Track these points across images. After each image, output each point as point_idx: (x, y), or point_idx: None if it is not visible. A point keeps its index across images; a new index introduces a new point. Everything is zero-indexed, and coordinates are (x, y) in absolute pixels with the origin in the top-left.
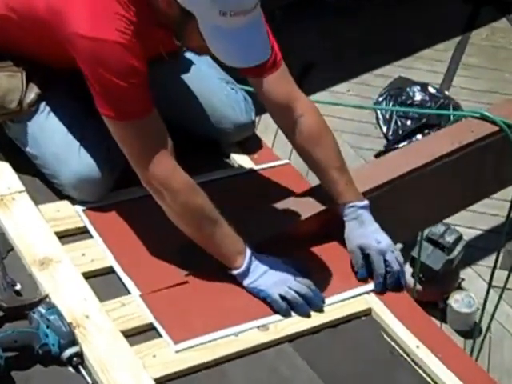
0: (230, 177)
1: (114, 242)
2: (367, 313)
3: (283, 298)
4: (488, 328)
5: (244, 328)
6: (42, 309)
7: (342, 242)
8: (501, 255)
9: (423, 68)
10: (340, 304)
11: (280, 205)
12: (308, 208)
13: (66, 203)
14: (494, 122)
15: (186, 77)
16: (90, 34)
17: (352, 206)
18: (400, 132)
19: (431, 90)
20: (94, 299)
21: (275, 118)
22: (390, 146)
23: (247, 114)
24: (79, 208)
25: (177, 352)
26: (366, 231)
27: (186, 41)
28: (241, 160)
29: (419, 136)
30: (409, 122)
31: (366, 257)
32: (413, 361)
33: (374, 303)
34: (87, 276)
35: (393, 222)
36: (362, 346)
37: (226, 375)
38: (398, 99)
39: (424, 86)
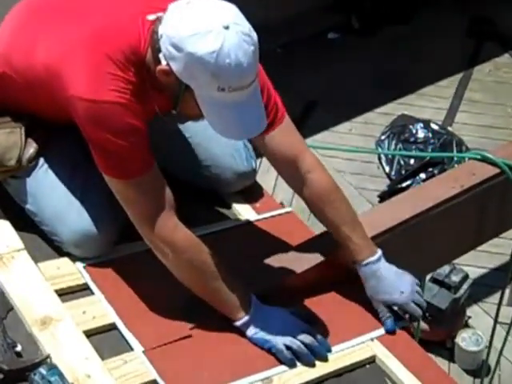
0: (231, 228)
1: (115, 298)
2: (371, 360)
3: (288, 348)
4: (496, 365)
5: (249, 381)
6: (42, 370)
7: (346, 290)
8: (507, 292)
9: (425, 105)
10: (344, 352)
11: (282, 255)
12: (309, 259)
13: (66, 260)
14: (495, 164)
15: (183, 126)
16: (88, 96)
17: (367, 264)
18: (403, 172)
19: (434, 126)
20: (95, 358)
21: (282, 175)
22: (394, 186)
23: (248, 162)
24: (80, 265)
25: None
26: (385, 285)
27: (182, 109)
28: (242, 209)
29: (422, 175)
30: (412, 161)
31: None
32: None
33: (378, 350)
34: (89, 334)
35: (400, 266)
36: None
37: None
38: (400, 137)
39: (427, 123)
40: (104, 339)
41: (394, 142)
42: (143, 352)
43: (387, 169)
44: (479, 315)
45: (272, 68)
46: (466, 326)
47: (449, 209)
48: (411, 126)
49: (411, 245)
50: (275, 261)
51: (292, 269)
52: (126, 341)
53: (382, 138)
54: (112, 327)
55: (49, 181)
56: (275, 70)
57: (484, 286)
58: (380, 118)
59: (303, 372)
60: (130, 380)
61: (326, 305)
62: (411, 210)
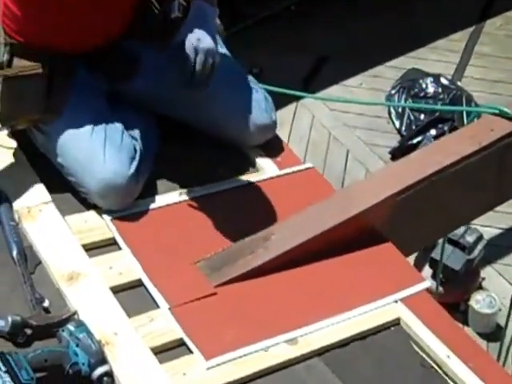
0: (255, 183)
1: (142, 254)
2: (396, 322)
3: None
4: (505, 329)
5: (274, 342)
6: (71, 327)
7: (368, 251)
8: None
9: (437, 59)
10: (368, 314)
11: (308, 212)
12: (332, 217)
13: (93, 213)
14: None
15: None
16: None
17: None
18: (413, 127)
19: (444, 81)
20: (122, 315)
21: None
22: (404, 143)
23: (268, 114)
24: (107, 218)
25: (208, 369)
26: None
27: None
28: (265, 164)
29: (433, 131)
30: (422, 116)
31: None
32: (444, 373)
33: (402, 312)
34: (115, 290)
35: (419, 225)
36: (392, 358)
37: None
38: (410, 91)
39: (436, 78)
40: (130, 295)
41: (403, 97)
42: (169, 309)
43: (397, 124)
44: (493, 277)
45: (285, 25)
46: (480, 287)
47: (467, 166)
48: (421, 81)
49: (432, 203)
50: (302, 218)
51: (322, 224)
52: (152, 297)
53: (392, 92)
54: (138, 283)
55: (72, 131)
56: (289, 27)
57: (498, 247)
58: (390, 71)
59: (328, 334)
60: (156, 338)
61: (349, 266)
62: (432, 166)
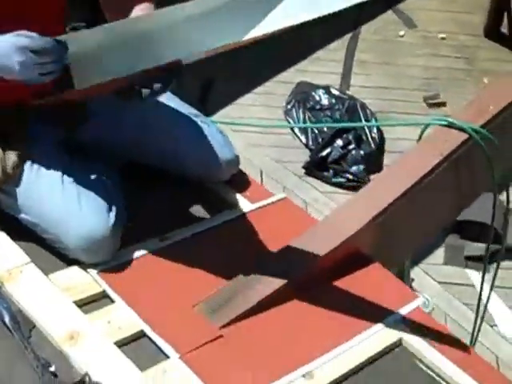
0: (232, 220)
1: (137, 304)
2: (399, 343)
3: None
4: None
5: (291, 379)
6: None
7: (360, 276)
8: (443, 251)
9: (321, 70)
10: (372, 338)
11: (297, 243)
12: (324, 244)
13: (76, 269)
14: (461, 129)
15: (156, 117)
16: None
17: None
18: (320, 140)
19: (334, 91)
20: (134, 370)
21: None
22: (315, 156)
23: (228, 147)
24: (93, 272)
25: None
26: None
27: None
28: (236, 199)
29: (339, 141)
30: (325, 129)
31: None
32: None
33: (403, 332)
34: (119, 345)
35: (400, 239)
36: (401, 379)
37: None
38: (306, 104)
39: (327, 89)
40: (135, 349)
41: (301, 111)
42: (179, 358)
43: (303, 139)
44: (420, 277)
45: None
46: (411, 288)
47: (435, 177)
48: (313, 93)
49: (409, 217)
50: (288, 250)
51: (307, 258)
52: (159, 348)
53: (289, 107)
54: (140, 335)
55: (41, 188)
56: None
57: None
58: (280, 87)
59: (339, 363)
60: None
61: (344, 292)
62: (404, 183)
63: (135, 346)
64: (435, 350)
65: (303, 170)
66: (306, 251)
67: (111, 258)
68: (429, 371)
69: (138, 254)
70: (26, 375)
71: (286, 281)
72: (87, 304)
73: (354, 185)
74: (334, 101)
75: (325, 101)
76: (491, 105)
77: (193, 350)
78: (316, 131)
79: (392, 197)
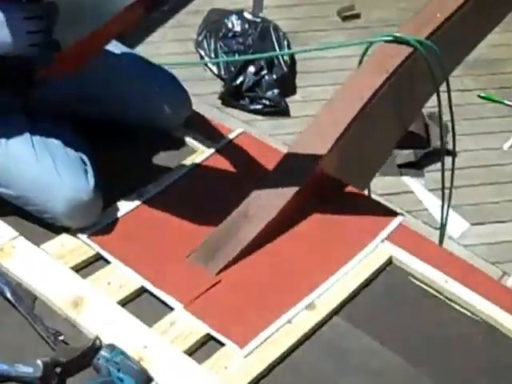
0: (203, 163)
1: (132, 262)
2: (389, 262)
3: None
4: None
5: (294, 312)
6: (105, 353)
7: (339, 202)
8: None
9: None
10: (364, 261)
11: (270, 178)
12: (297, 176)
13: (66, 236)
14: (407, 43)
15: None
16: None
17: None
18: (232, 69)
19: (247, 16)
20: (143, 327)
21: None
22: (230, 85)
23: (182, 88)
24: (83, 236)
25: (245, 356)
26: None
27: None
28: (198, 142)
29: (251, 68)
30: (236, 56)
31: None
32: (446, 298)
33: (391, 250)
34: (122, 304)
35: (363, 159)
36: (398, 296)
37: (298, 364)
38: (218, 34)
39: (240, 14)
40: (139, 305)
41: (213, 41)
42: (184, 308)
43: (215, 70)
44: None
45: None
46: None
47: (384, 95)
48: (226, 20)
49: (368, 136)
50: (265, 186)
51: (284, 191)
52: (162, 301)
53: (200, 39)
54: (141, 291)
55: (16, 158)
56: None
57: None
58: (190, 18)
59: (337, 290)
60: (185, 340)
61: (328, 220)
62: (357, 103)
63: (138, 303)
64: (424, 263)
65: (220, 101)
66: (282, 185)
67: (97, 220)
68: (422, 285)
69: (121, 212)
70: (39, 347)
71: (272, 216)
72: (83, 268)
73: (272, 110)
74: (247, 26)
75: (237, 27)
76: (439, 12)
77: (195, 298)
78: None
79: (347, 120)
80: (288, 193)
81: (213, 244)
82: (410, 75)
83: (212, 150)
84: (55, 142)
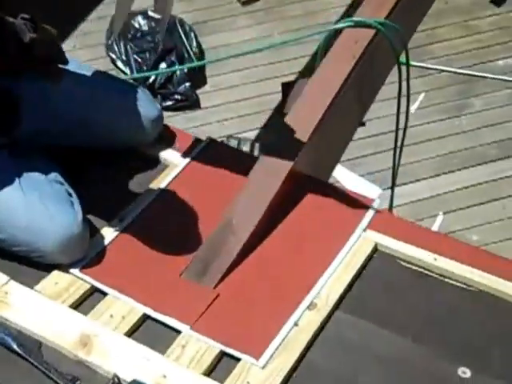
0: (177, 178)
1: (128, 289)
2: (375, 249)
3: None
4: None
5: (298, 315)
6: None
7: (315, 198)
8: None
9: None
10: (351, 252)
11: (248, 187)
12: (272, 181)
13: (57, 273)
14: (368, 26)
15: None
16: None
17: None
18: (144, 68)
19: (152, 14)
20: (156, 355)
21: None
22: (143, 85)
23: (154, 104)
24: (75, 271)
25: (263, 367)
26: None
27: None
28: (169, 156)
29: (163, 65)
30: (147, 55)
31: None
32: (439, 274)
33: (375, 237)
34: (129, 334)
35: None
36: (391, 281)
37: (313, 365)
38: (128, 35)
39: (145, 14)
40: (145, 333)
41: (122, 43)
42: (191, 329)
43: (128, 71)
44: None
45: None
46: None
47: (351, 81)
48: (132, 21)
49: (335, 128)
50: (243, 194)
51: (263, 197)
52: (167, 325)
53: (109, 42)
54: (144, 318)
55: (1, 197)
56: None
57: None
58: (96, 24)
59: (332, 285)
60: (201, 361)
61: (309, 217)
62: (329, 93)
63: (144, 331)
64: (409, 245)
65: None
66: (260, 191)
67: (86, 251)
68: (412, 266)
69: (106, 240)
70: None
71: (255, 223)
72: (81, 304)
73: (183, 104)
74: (153, 24)
75: (144, 27)
76: None
77: (199, 317)
78: (139, 60)
79: (320, 112)
80: (267, 196)
81: (203, 259)
82: (373, 57)
83: (184, 164)
84: (41, 178)
